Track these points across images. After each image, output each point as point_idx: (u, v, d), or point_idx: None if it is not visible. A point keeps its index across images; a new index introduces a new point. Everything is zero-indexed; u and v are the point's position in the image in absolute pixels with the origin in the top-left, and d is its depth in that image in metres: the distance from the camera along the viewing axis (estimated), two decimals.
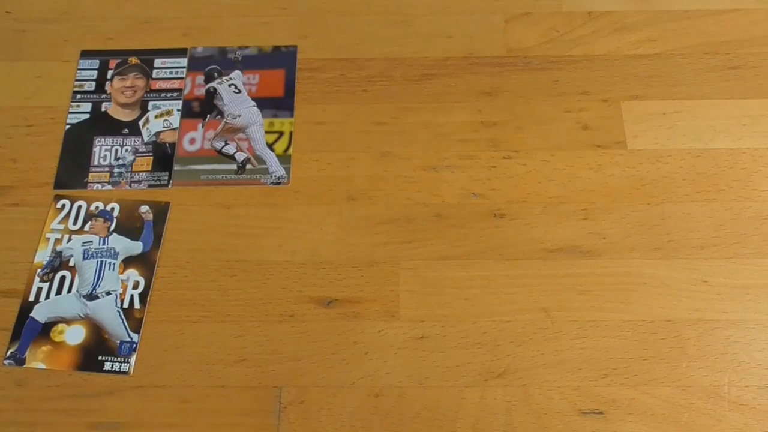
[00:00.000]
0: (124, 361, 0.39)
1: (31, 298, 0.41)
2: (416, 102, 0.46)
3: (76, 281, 0.42)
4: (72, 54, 0.49)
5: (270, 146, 0.45)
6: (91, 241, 0.43)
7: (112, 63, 0.49)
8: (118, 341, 0.40)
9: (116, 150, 0.46)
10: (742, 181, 0.42)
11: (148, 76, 0.48)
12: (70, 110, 0.47)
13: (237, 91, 0.47)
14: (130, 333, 0.40)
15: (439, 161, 0.44)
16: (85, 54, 0.49)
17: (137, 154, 0.46)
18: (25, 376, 0.39)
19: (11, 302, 0.41)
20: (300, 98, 0.47)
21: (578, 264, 0.41)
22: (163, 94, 0.48)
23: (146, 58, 0.49)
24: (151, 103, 0.47)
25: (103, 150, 0.46)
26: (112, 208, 0.44)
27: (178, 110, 0.47)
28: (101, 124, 0.47)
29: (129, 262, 0.42)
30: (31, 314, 0.41)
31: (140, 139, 0.46)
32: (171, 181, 0.45)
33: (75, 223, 0.43)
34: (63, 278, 0.42)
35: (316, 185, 0.44)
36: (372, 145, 0.45)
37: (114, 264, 0.42)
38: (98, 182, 0.45)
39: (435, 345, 0.39)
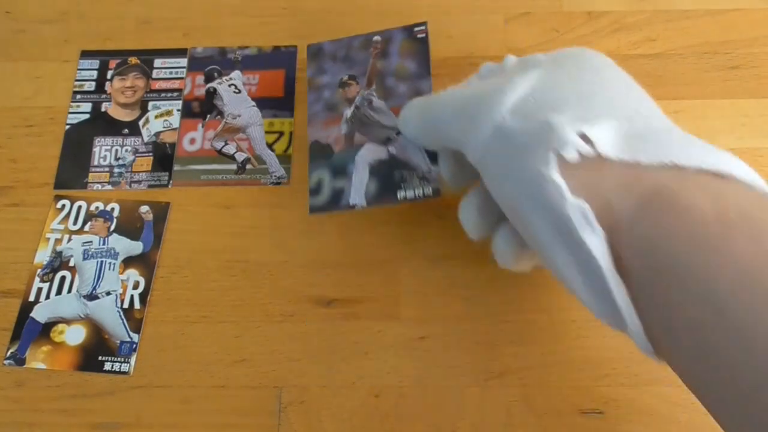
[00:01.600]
0: (124, 361, 0.39)
1: (32, 298, 0.41)
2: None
3: (76, 281, 0.42)
4: (72, 54, 0.49)
5: (270, 146, 0.45)
6: (91, 242, 0.43)
7: (112, 63, 0.49)
8: (118, 341, 0.40)
9: (116, 150, 0.46)
10: None
11: (148, 76, 0.48)
12: (70, 110, 0.47)
13: (237, 91, 0.47)
14: (130, 333, 0.40)
15: None
16: (85, 54, 0.49)
17: (137, 154, 0.46)
18: (25, 376, 0.39)
19: (11, 302, 0.41)
20: (300, 98, 0.47)
21: None
22: (163, 94, 0.48)
23: (146, 58, 0.49)
24: (151, 103, 0.47)
25: (103, 150, 0.46)
26: (112, 208, 0.44)
27: (178, 110, 0.47)
28: (101, 124, 0.47)
29: (129, 262, 0.42)
30: (31, 314, 0.41)
31: (140, 139, 0.46)
32: (171, 181, 0.45)
33: (75, 223, 0.43)
34: (63, 278, 0.42)
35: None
36: None
37: (114, 264, 0.42)
38: (98, 182, 0.45)
39: (435, 345, 0.39)
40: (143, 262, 0.42)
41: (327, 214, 0.38)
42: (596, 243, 0.26)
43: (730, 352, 0.24)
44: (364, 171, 0.37)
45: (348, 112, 0.39)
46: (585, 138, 0.27)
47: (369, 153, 0.38)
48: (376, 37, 0.40)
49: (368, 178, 0.37)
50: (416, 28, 0.40)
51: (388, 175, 0.36)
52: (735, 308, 0.23)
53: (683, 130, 0.29)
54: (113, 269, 0.42)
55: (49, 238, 0.43)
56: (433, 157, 0.36)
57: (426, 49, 0.39)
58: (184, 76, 0.48)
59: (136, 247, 0.43)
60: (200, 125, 0.47)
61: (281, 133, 0.46)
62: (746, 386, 0.24)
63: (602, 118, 0.27)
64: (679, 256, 0.24)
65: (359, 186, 0.37)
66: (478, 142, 0.30)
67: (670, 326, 0.26)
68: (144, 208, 0.44)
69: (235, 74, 0.48)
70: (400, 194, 0.36)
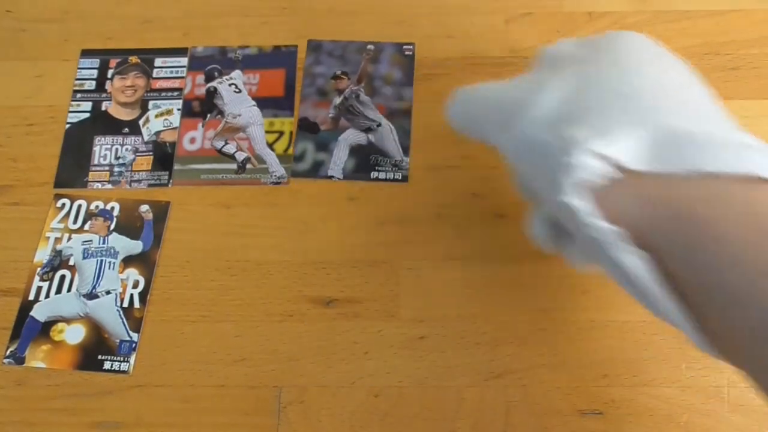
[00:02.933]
0: (124, 361, 0.39)
1: (31, 297, 0.41)
2: (416, 102, 0.46)
3: (76, 280, 0.42)
4: (72, 53, 0.49)
5: (270, 146, 0.45)
6: (91, 241, 0.43)
7: (113, 62, 0.49)
8: (118, 340, 0.40)
9: (116, 149, 0.46)
10: None
11: (148, 75, 0.48)
12: (71, 109, 0.47)
13: (237, 90, 0.47)
14: (130, 332, 0.40)
15: (440, 161, 0.44)
16: (86, 53, 0.49)
17: (137, 154, 0.46)
18: (24, 375, 0.39)
19: (11, 301, 0.41)
20: (301, 98, 0.47)
21: None
22: (164, 94, 0.48)
23: (146, 57, 0.49)
24: (151, 103, 0.47)
25: (104, 149, 0.46)
26: (112, 208, 0.44)
27: (178, 109, 0.47)
28: (101, 123, 0.47)
29: (129, 261, 0.42)
30: (31, 313, 0.41)
31: (140, 139, 0.46)
32: (171, 181, 0.45)
33: (75, 222, 0.43)
34: (63, 277, 0.42)
35: (316, 185, 0.44)
36: None
37: (114, 263, 0.42)
38: (98, 181, 0.45)
39: (435, 345, 0.39)
40: (143, 261, 0.42)
41: (307, 180, 0.44)
42: (637, 263, 0.25)
43: None
44: (344, 150, 0.44)
45: (337, 100, 0.46)
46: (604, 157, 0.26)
47: (351, 136, 0.44)
48: (370, 46, 0.47)
49: (347, 156, 0.44)
50: (405, 47, 0.47)
51: (365, 158, 0.43)
52: None
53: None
54: (113, 268, 0.42)
55: (48, 237, 0.43)
56: (405, 149, 0.43)
57: (411, 64, 0.46)
58: (184, 75, 0.48)
59: (135, 246, 0.42)
60: (200, 124, 0.47)
61: (281, 133, 0.46)
62: None
63: (626, 126, 0.26)
64: (715, 275, 0.24)
65: (339, 162, 0.44)
66: (510, 146, 0.31)
67: (731, 340, 0.25)
68: (144, 208, 0.44)
69: (236, 74, 0.48)
70: (374, 174, 0.43)
